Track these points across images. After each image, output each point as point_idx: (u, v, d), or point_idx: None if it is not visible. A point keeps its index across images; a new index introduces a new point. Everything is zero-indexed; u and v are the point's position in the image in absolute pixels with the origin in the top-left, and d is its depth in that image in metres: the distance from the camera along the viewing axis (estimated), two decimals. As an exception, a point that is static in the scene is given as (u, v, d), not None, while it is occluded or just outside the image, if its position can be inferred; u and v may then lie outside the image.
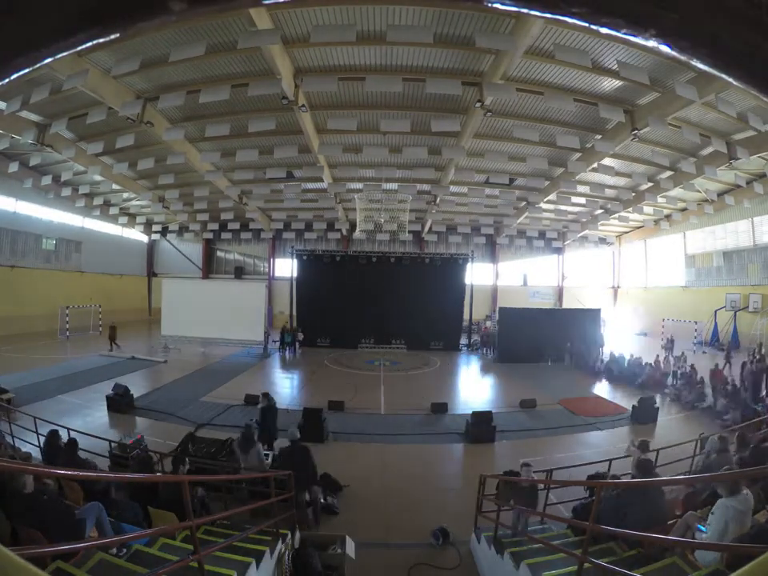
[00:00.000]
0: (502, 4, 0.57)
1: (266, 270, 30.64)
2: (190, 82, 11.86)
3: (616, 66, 9.92)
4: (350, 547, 4.85)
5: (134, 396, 10.84)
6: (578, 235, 28.41)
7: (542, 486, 5.38)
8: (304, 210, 24.82)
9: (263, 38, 9.22)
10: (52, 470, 3.82)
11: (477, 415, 9.33)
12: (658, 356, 15.10)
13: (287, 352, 19.51)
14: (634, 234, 29.54)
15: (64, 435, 6.47)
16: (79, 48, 0.59)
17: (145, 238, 31.30)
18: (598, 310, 20.73)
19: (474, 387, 14.90)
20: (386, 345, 20.68)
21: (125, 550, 3.26)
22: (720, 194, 19.51)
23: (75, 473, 3.58)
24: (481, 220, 26.48)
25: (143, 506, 4.15)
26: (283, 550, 4.40)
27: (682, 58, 0.57)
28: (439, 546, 5.39)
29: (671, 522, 3.96)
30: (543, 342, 17.90)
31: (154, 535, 3.68)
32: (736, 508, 3.17)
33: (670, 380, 13.79)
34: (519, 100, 12.62)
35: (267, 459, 6.62)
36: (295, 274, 22.20)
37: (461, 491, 6.81)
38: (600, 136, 14.29)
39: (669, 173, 17.43)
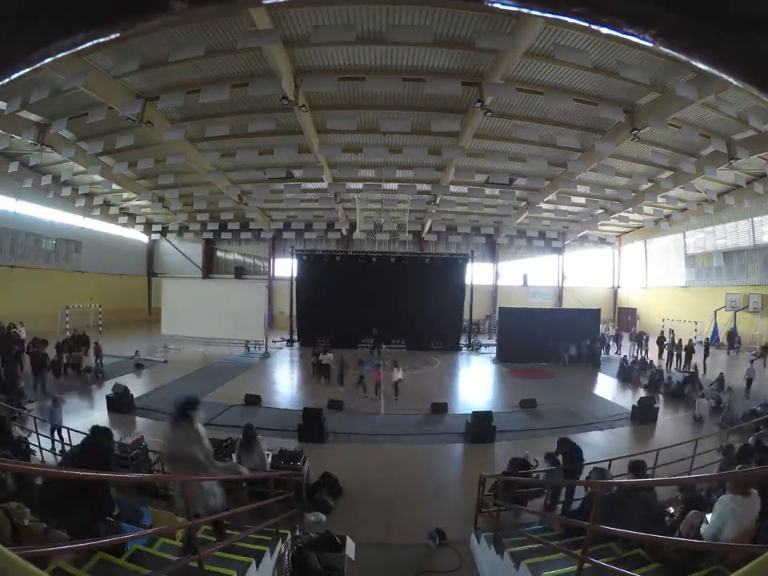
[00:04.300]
0: (502, 4, 0.57)
1: (266, 269, 30.64)
2: (189, 82, 11.84)
3: (616, 65, 9.91)
4: (350, 548, 4.85)
5: (134, 396, 10.84)
6: (578, 235, 28.40)
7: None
8: (304, 210, 24.83)
9: (263, 38, 9.22)
10: (51, 470, 3.81)
11: (477, 415, 9.34)
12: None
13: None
14: (634, 234, 29.53)
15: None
16: (79, 48, 0.59)
17: (145, 238, 31.29)
18: (598, 311, 20.73)
19: (474, 387, 14.88)
20: (386, 345, 20.67)
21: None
22: (720, 194, 19.49)
23: (75, 472, 3.57)
24: (481, 220, 26.47)
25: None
26: (283, 550, 4.40)
27: (682, 57, 0.57)
28: (436, 547, 5.39)
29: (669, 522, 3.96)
30: (544, 342, 17.90)
31: (153, 535, 3.68)
32: (735, 509, 3.14)
33: None
34: (519, 100, 12.61)
35: (268, 458, 6.61)
36: (295, 274, 22.21)
37: (461, 491, 6.82)
38: (600, 136, 14.29)
39: (669, 173, 17.42)
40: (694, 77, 10.21)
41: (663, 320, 23.75)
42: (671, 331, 19.32)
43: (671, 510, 4.23)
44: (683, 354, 16.64)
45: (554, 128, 13.98)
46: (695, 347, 16.91)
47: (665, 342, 18.11)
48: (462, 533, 5.56)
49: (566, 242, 29.62)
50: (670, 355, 17.07)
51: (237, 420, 10.00)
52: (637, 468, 4.20)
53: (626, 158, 16.44)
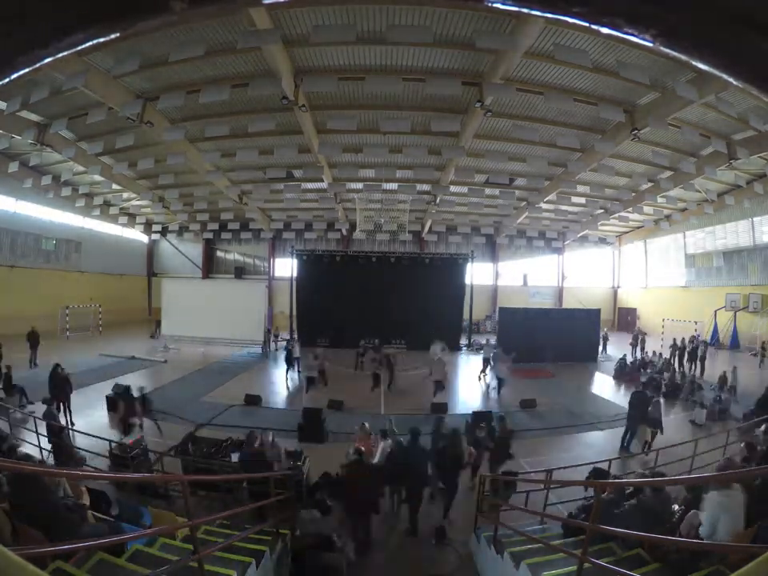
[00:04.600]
0: (502, 4, 0.57)
1: (266, 269, 30.64)
2: (189, 82, 11.84)
3: (616, 65, 9.90)
4: (351, 548, 4.85)
5: (134, 396, 10.82)
6: (578, 235, 28.39)
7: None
8: (304, 210, 24.83)
9: (263, 38, 9.22)
10: (52, 471, 3.82)
11: (477, 415, 9.34)
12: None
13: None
14: (634, 234, 29.53)
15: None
16: (79, 48, 0.59)
17: (145, 238, 31.28)
18: (598, 311, 20.72)
19: (474, 387, 14.87)
20: (386, 345, 20.64)
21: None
22: (720, 194, 19.49)
23: (75, 473, 3.58)
24: (481, 220, 26.45)
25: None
26: (283, 550, 4.40)
27: (682, 57, 0.57)
28: (436, 546, 5.39)
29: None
30: (544, 342, 17.88)
31: (153, 535, 3.68)
32: (722, 501, 3.21)
33: None
34: (519, 100, 12.61)
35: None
36: (295, 274, 22.21)
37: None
38: (600, 136, 14.29)
39: (669, 173, 17.42)
40: (694, 77, 10.21)
41: (663, 320, 23.73)
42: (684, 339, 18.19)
43: (676, 507, 4.22)
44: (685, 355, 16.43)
45: (553, 128, 13.98)
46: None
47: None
48: (462, 533, 5.56)
49: (565, 242, 29.61)
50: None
51: (237, 420, 10.02)
52: (598, 476, 4.19)
53: (626, 158, 16.44)
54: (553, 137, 14.07)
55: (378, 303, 20.60)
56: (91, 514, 3.79)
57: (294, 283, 22.11)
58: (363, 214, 20.70)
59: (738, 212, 20.81)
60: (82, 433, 7.25)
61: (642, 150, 15.46)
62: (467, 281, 22.09)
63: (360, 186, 19.19)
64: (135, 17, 0.54)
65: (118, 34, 0.57)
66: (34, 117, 13.86)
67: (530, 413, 11.16)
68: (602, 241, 31.48)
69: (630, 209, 21.55)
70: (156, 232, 29.20)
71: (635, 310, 29.80)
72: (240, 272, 30.64)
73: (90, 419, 9.57)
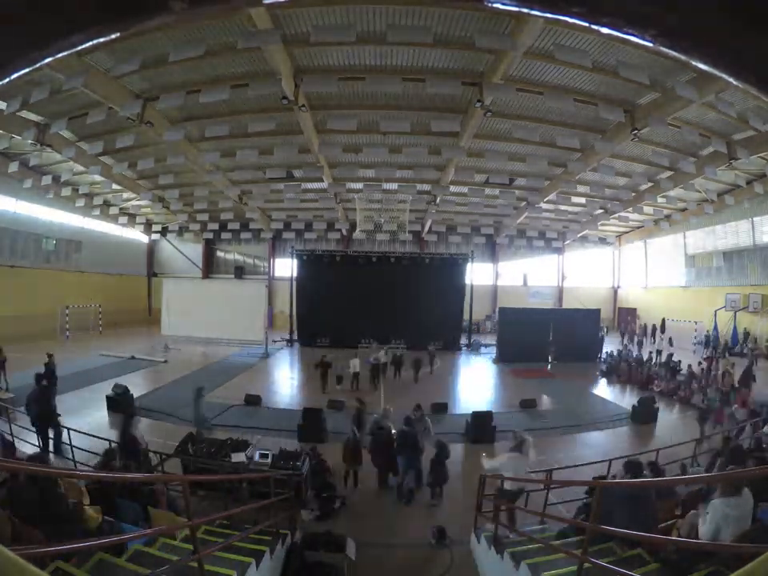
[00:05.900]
0: (502, 4, 0.57)
1: (266, 270, 30.65)
2: (189, 82, 11.84)
3: (616, 65, 9.89)
4: (351, 548, 4.85)
5: (134, 396, 10.83)
6: (578, 235, 28.40)
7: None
8: (304, 210, 24.83)
9: (263, 38, 9.22)
10: (51, 470, 3.82)
11: (477, 415, 9.35)
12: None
13: None
14: (634, 234, 29.52)
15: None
16: (79, 48, 0.59)
17: (145, 238, 31.26)
18: (598, 311, 20.72)
19: (474, 387, 14.89)
20: (386, 345, 20.65)
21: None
22: (720, 194, 19.47)
23: (75, 472, 3.57)
24: (481, 220, 26.46)
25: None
26: (283, 550, 4.40)
27: (682, 57, 0.57)
28: (436, 546, 5.40)
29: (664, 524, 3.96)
30: (544, 342, 17.89)
31: (153, 535, 3.68)
32: (727, 513, 3.00)
33: None
34: (519, 100, 12.61)
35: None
36: (295, 274, 22.22)
37: (461, 491, 6.82)
38: (600, 136, 14.28)
39: (669, 173, 17.41)
40: (693, 77, 10.20)
41: (663, 320, 23.73)
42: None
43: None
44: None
45: (553, 128, 13.96)
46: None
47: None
48: (462, 533, 5.56)
49: (565, 242, 29.62)
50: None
51: (237, 420, 10.02)
52: (632, 468, 4.15)
53: (625, 158, 16.43)
54: (553, 137, 14.06)
55: (377, 303, 20.60)
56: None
57: (294, 283, 22.12)
58: (363, 214, 20.70)
59: (738, 212, 20.77)
60: (83, 433, 7.24)
61: (641, 149, 15.45)
62: (467, 281, 22.10)
63: (360, 185, 19.19)
64: (135, 17, 0.54)
65: (118, 34, 0.57)
66: (33, 117, 13.84)
67: (530, 413, 11.16)
68: (602, 241, 31.48)
69: (630, 209, 21.55)
70: (156, 232, 29.19)
71: (635, 310, 29.79)
72: (240, 272, 30.65)
73: (90, 419, 9.56)
